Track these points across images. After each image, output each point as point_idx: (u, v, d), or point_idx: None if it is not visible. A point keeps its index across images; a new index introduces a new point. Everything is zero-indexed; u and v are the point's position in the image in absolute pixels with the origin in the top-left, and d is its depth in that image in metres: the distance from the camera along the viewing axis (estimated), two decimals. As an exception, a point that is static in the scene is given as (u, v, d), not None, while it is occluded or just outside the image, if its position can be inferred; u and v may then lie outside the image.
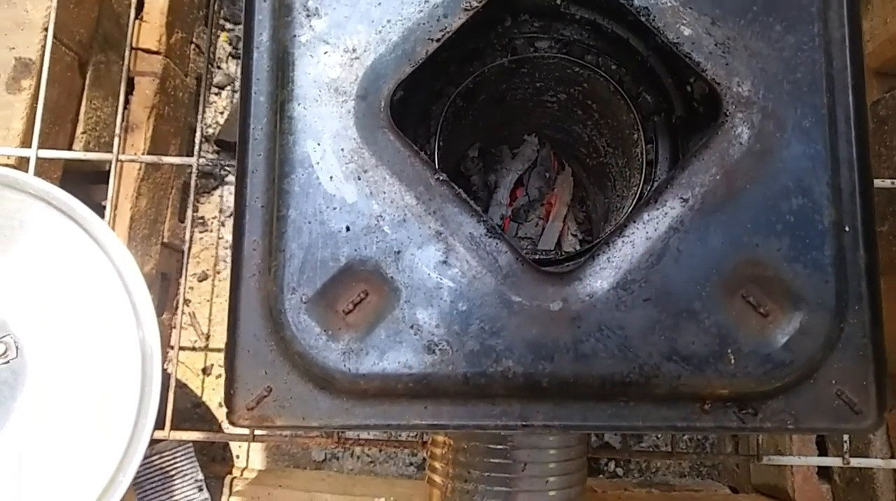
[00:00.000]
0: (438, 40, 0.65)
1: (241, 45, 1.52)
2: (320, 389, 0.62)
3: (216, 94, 1.54)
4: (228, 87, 1.54)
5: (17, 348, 0.86)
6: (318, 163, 0.63)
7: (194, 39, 1.45)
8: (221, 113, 1.54)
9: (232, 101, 1.53)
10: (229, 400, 0.63)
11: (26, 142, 1.00)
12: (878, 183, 0.97)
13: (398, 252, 0.63)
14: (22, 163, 0.99)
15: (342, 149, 0.64)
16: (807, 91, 0.65)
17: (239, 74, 1.52)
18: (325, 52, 0.64)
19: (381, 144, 0.64)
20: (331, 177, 0.63)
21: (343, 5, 0.65)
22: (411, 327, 0.61)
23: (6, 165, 0.98)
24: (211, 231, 1.50)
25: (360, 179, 0.63)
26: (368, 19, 0.65)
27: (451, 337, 0.61)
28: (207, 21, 1.45)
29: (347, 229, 0.63)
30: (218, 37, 1.55)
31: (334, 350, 0.61)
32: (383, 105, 0.64)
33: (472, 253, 0.63)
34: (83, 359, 0.84)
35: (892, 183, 1.04)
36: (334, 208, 0.63)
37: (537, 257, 0.82)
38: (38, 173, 0.95)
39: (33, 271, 0.87)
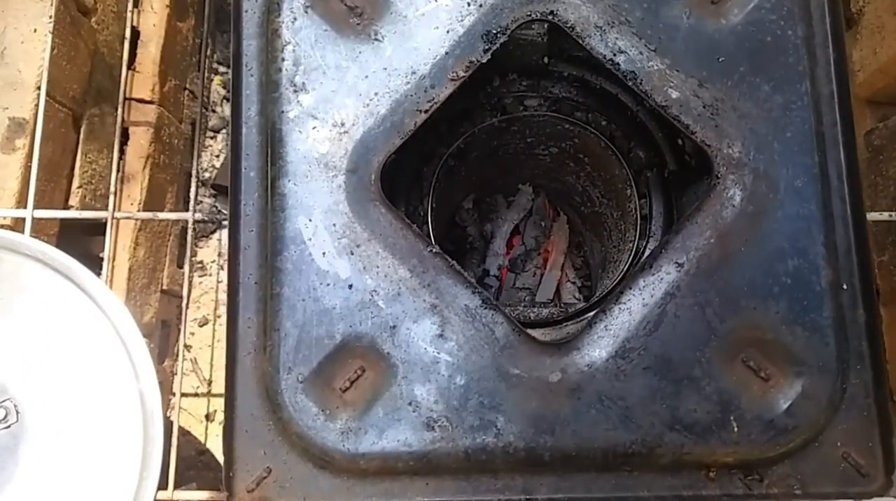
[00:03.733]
0: (426, 111, 0.65)
1: (234, 89, 1.53)
2: (320, 469, 0.62)
3: (211, 138, 1.55)
4: (224, 131, 1.55)
5: (17, 412, 0.85)
6: (310, 239, 0.63)
7: (188, 85, 1.45)
8: (217, 156, 1.54)
9: (227, 145, 1.53)
10: (229, 482, 0.62)
11: (21, 202, 1.00)
12: (874, 215, 0.96)
13: (394, 327, 0.62)
14: (18, 223, 0.99)
15: (334, 225, 0.63)
16: (797, 150, 0.65)
17: (233, 118, 1.53)
18: (314, 128, 0.64)
19: (372, 218, 0.64)
20: (323, 253, 0.63)
21: (330, 80, 0.65)
22: (409, 404, 0.61)
23: (2, 226, 0.98)
24: (210, 275, 1.50)
25: (352, 254, 0.63)
26: (356, 93, 0.65)
27: (450, 413, 0.61)
28: (200, 67, 1.45)
29: (342, 305, 0.62)
30: (212, 80, 1.55)
31: (332, 429, 0.60)
32: (374, 178, 0.64)
33: (469, 325, 0.63)
34: (83, 419, 0.83)
35: (890, 215, 1.03)
36: (328, 284, 0.63)
37: (536, 311, 0.81)
38: (34, 230, 0.96)
39: (32, 333, 0.87)
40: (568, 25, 0.66)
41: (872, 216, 0.93)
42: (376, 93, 0.65)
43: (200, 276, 1.50)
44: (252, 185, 0.65)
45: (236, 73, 0.66)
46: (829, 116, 0.67)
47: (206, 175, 1.52)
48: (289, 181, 0.64)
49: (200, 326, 1.49)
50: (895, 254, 1.18)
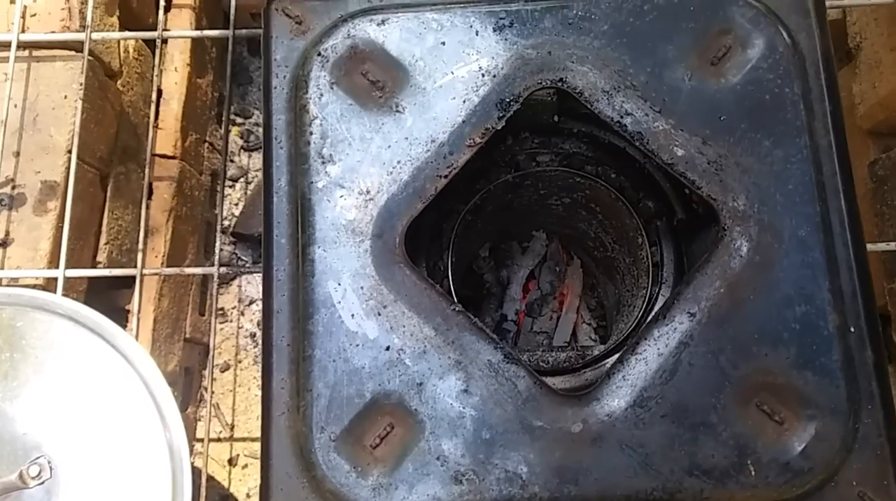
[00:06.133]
0: (446, 176, 0.68)
1: (251, 137, 1.58)
2: (354, 524, 0.64)
3: (230, 187, 1.60)
4: (242, 179, 1.60)
5: (50, 468, 0.88)
6: (339, 302, 0.66)
7: (207, 138, 1.50)
8: (236, 204, 1.59)
9: (246, 193, 1.58)
10: (266, 537, 0.65)
11: (53, 262, 1.03)
12: (882, 246, 0.98)
13: (420, 383, 0.65)
14: (49, 282, 1.02)
15: (362, 288, 0.67)
16: (799, 201, 0.68)
17: (252, 166, 1.58)
18: (341, 196, 0.68)
19: (398, 280, 0.67)
20: (352, 315, 0.66)
21: (355, 150, 0.69)
22: (437, 458, 0.64)
23: (35, 285, 1.01)
24: (231, 321, 1.54)
25: (380, 315, 0.66)
26: (380, 162, 0.69)
27: (476, 466, 0.64)
28: (221, 120, 1.50)
29: (371, 364, 0.65)
30: (229, 132, 1.60)
31: (364, 486, 0.63)
32: (398, 242, 0.68)
33: (492, 379, 0.66)
34: (114, 471, 0.85)
35: None
36: (357, 345, 0.66)
37: (553, 355, 0.84)
38: (64, 287, 0.99)
39: (63, 389, 0.89)
40: (577, 91, 0.70)
41: (880, 246, 0.96)
42: (399, 162, 0.69)
43: (221, 323, 1.53)
44: (283, 252, 0.69)
45: (267, 146, 0.71)
46: (829, 167, 0.71)
47: (226, 223, 1.56)
48: (318, 247, 0.67)
49: (222, 371, 1.52)
50: (904, 283, 1.19)
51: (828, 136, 0.72)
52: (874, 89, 1.23)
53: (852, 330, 0.68)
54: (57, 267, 1.02)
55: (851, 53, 1.27)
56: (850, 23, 1.26)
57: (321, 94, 0.69)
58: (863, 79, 1.26)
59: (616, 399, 0.65)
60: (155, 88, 1.12)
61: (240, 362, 1.51)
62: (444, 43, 0.71)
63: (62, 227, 1.03)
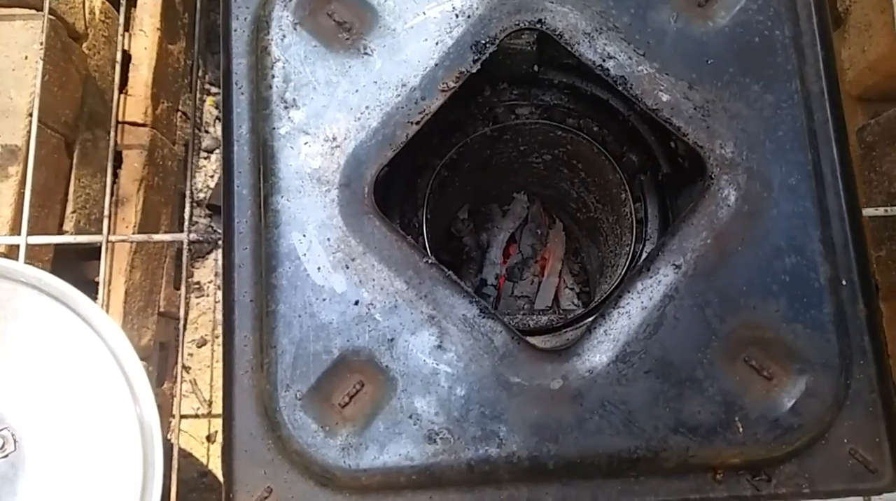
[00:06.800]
0: (418, 123, 0.65)
1: (227, 109, 1.53)
2: (322, 486, 0.61)
3: (205, 159, 1.55)
4: (217, 151, 1.55)
5: (14, 441, 0.85)
6: (304, 254, 0.63)
7: (180, 107, 1.45)
8: (212, 176, 1.54)
9: (220, 163, 1.53)
10: (229, 503, 0.61)
11: (15, 229, 0.99)
12: (870, 211, 0.96)
13: (391, 339, 0.62)
14: (12, 250, 0.98)
15: (328, 239, 0.63)
16: (790, 148, 0.65)
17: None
18: (306, 143, 0.64)
19: (367, 231, 0.63)
20: (318, 268, 0.63)
21: (321, 95, 0.65)
22: (410, 417, 0.60)
23: (-4, 253, 0.97)
24: (207, 295, 1.50)
25: (348, 268, 0.63)
26: (347, 107, 0.65)
27: (451, 425, 0.60)
28: (192, 88, 1.46)
29: (339, 320, 0.62)
30: (204, 101, 1.56)
31: (333, 446, 0.60)
32: (367, 191, 0.64)
33: (467, 335, 0.62)
34: (82, 446, 0.82)
35: (886, 211, 1.03)
36: (324, 299, 0.62)
37: (535, 318, 0.81)
38: (29, 256, 0.95)
39: (28, 361, 0.86)
40: (556, 33, 0.66)
41: (868, 212, 0.93)
42: (367, 107, 0.65)
43: (197, 297, 1.49)
44: (245, 203, 0.65)
45: (226, 91, 0.66)
46: (821, 114, 0.67)
47: (201, 195, 1.52)
48: (282, 197, 0.63)
49: (199, 347, 1.48)
50: (892, 249, 1.18)
51: (819, 82, 0.68)
52: (863, 53, 1.21)
53: (844, 282, 0.66)
54: (19, 233, 0.98)
55: (841, 18, 1.25)
56: (839, -14, 1.24)
57: (284, 36, 0.65)
58: (852, 43, 1.23)
59: (598, 354, 0.62)
60: (119, 49, 1.07)
61: (217, 337, 1.47)
62: (415, -19, 0.67)
63: (24, 193, 0.99)
